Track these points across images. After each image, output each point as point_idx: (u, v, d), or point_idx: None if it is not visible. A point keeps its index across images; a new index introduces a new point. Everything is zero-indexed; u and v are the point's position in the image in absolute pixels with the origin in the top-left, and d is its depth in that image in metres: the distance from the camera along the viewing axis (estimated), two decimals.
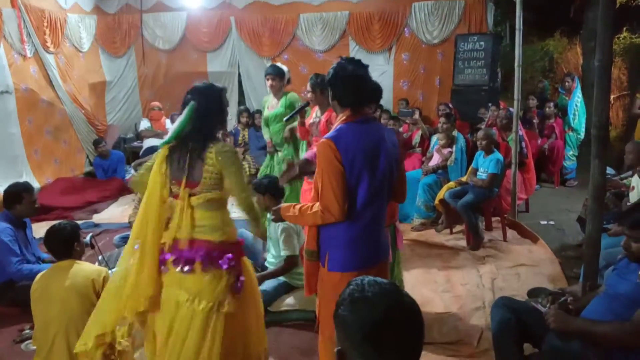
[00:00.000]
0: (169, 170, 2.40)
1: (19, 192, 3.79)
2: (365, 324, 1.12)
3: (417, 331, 1.15)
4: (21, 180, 6.39)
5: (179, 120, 2.38)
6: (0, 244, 3.62)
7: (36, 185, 6.82)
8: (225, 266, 2.39)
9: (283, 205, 2.43)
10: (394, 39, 8.16)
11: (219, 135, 2.55)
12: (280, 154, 4.84)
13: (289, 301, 3.64)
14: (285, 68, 4.77)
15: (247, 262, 2.65)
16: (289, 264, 3.64)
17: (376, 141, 2.24)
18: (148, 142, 7.91)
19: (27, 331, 3.37)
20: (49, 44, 7.38)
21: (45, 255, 3.90)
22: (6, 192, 3.83)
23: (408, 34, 8.15)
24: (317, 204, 2.20)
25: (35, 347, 2.97)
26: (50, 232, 2.96)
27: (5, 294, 3.72)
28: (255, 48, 8.73)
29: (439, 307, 3.75)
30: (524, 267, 4.41)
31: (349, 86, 2.25)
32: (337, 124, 2.28)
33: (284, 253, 3.61)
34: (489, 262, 4.54)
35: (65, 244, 2.91)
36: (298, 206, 2.31)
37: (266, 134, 5.01)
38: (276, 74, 4.67)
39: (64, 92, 7.66)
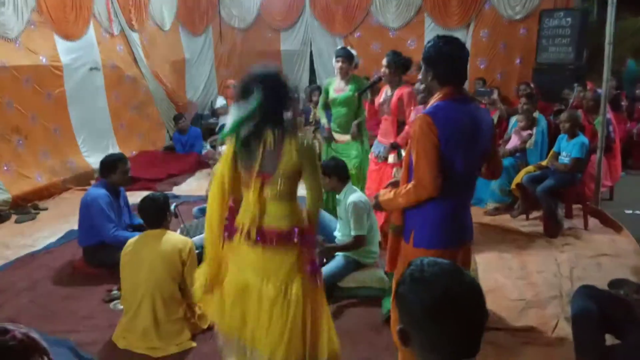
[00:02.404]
0: (241, 161, 2.36)
1: (114, 162, 4.04)
2: (425, 302, 1.14)
3: (477, 309, 1.16)
4: (107, 153, 6.90)
5: (245, 109, 2.26)
6: (97, 209, 3.90)
7: None
8: (295, 239, 2.36)
9: (380, 191, 2.44)
10: (472, 14, 7.86)
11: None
12: (339, 137, 4.70)
13: (358, 278, 3.68)
14: (354, 52, 4.71)
15: None
16: (357, 242, 3.64)
17: (474, 122, 2.21)
18: (223, 119, 8.18)
19: (115, 292, 3.63)
20: (133, 23, 7.76)
21: (138, 220, 4.12)
22: (102, 162, 4.10)
23: (488, 9, 7.82)
24: (410, 183, 2.21)
25: (122, 307, 3.22)
26: (144, 202, 3.17)
27: (95, 256, 4.01)
28: (327, 26, 8.72)
29: (513, 293, 3.64)
30: (605, 257, 4.18)
31: (452, 63, 2.21)
32: (434, 101, 2.25)
33: (353, 232, 3.63)
34: (567, 251, 4.35)
35: (158, 214, 3.10)
36: (393, 190, 2.32)
37: (323, 119, 4.89)
38: (346, 57, 4.59)
39: (147, 69, 8.06)
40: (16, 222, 5.39)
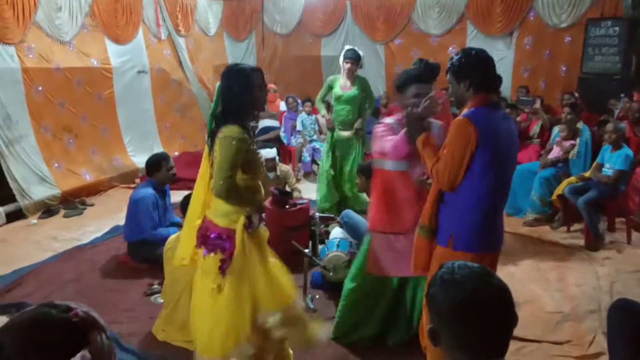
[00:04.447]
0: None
1: (157, 161, 4.21)
2: (455, 303, 1.18)
3: (505, 312, 1.19)
4: (152, 153, 7.12)
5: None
6: (143, 208, 4.08)
7: None
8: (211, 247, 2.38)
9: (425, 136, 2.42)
10: (516, 22, 7.72)
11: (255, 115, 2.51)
12: (342, 133, 5.08)
13: None
14: (361, 52, 4.99)
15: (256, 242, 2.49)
16: None
17: (510, 128, 2.28)
18: (263, 123, 8.31)
19: (156, 286, 3.77)
20: (180, 28, 8.03)
21: (178, 219, 4.31)
22: (147, 162, 4.29)
23: (532, 17, 7.67)
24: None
25: (162, 301, 3.34)
26: (185, 200, 3.31)
27: (138, 252, 4.17)
28: (369, 32, 8.76)
29: (549, 305, 3.59)
30: None
31: (488, 69, 2.28)
32: (469, 108, 2.28)
33: None
34: (608, 265, 4.24)
35: None
36: (430, 151, 2.37)
37: (322, 111, 5.31)
38: (355, 58, 4.90)
39: (192, 73, 8.32)
40: (64, 216, 5.66)
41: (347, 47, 5.04)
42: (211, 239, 2.36)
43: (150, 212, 4.06)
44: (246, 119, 2.39)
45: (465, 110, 2.28)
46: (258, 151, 2.48)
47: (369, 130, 4.72)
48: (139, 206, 4.07)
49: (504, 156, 2.23)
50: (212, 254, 2.36)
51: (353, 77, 4.96)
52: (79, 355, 0.93)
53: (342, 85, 5.01)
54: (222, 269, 2.35)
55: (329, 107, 5.61)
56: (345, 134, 5.06)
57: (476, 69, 2.26)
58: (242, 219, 2.35)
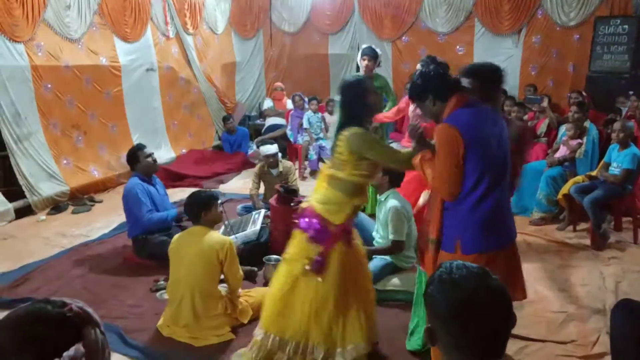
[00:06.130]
0: None
1: (134, 153, 4.28)
2: (452, 303, 1.17)
3: (502, 313, 1.18)
4: (160, 151, 7.19)
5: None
6: (132, 197, 4.13)
7: (172, 155, 7.59)
8: (309, 233, 2.64)
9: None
10: (524, 20, 7.68)
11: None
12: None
13: (394, 281, 3.70)
14: (379, 50, 4.89)
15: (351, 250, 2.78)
16: (396, 247, 3.68)
17: (494, 122, 2.29)
18: (270, 121, 8.35)
19: (162, 282, 3.80)
20: (188, 26, 8.05)
21: (175, 210, 4.40)
22: (126, 157, 4.36)
23: (541, 15, 7.62)
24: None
25: (167, 297, 3.37)
26: (189, 197, 3.32)
27: (143, 248, 4.22)
28: (376, 30, 8.74)
29: (554, 305, 3.58)
30: None
31: (445, 76, 2.39)
32: (449, 111, 2.30)
33: (391, 237, 3.66)
34: (614, 264, 4.22)
35: (197, 210, 3.19)
36: (431, 164, 2.39)
37: None
38: (372, 55, 4.80)
39: (200, 71, 8.35)
40: (73, 212, 5.72)
41: (363, 45, 5.01)
42: (315, 230, 2.63)
43: (141, 198, 4.11)
44: (365, 123, 2.68)
45: (446, 113, 2.31)
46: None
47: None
48: (129, 197, 4.14)
49: (495, 149, 2.25)
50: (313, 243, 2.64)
51: (372, 75, 4.87)
52: (72, 348, 0.94)
53: None
54: (317, 266, 2.63)
55: None
56: None
57: (433, 80, 2.35)
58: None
